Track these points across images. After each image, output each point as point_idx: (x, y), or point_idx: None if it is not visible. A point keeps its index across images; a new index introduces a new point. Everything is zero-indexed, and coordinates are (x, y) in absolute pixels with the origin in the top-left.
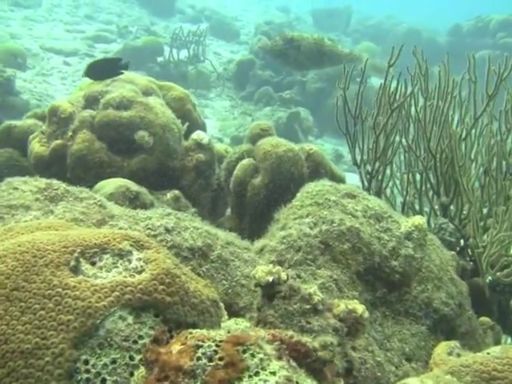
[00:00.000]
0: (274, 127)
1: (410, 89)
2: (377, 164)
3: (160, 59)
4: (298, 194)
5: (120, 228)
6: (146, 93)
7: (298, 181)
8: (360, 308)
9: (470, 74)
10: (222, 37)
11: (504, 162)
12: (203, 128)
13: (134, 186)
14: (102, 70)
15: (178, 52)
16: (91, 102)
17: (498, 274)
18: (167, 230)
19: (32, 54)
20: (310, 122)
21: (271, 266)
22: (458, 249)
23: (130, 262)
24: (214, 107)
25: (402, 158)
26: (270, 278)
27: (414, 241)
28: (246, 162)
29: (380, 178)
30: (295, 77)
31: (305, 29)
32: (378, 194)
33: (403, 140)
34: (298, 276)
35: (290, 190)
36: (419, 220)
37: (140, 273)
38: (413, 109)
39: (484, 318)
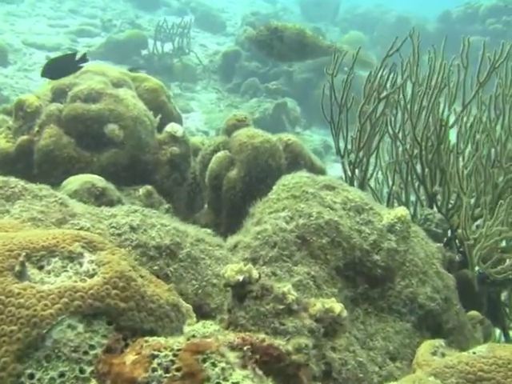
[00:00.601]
0: (261, 119)
1: (400, 77)
2: (360, 154)
3: (144, 52)
4: (275, 187)
5: (81, 227)
6: (118, 84)
7: (276, 173)
8: (338, 307)
9: (462, 58)
10: (208, 29)
11: (493, 150)
12: (178, 120)
13: (99, 182)
14: (60, 67)
15: (163, 45)
16: (59, 95)
17: (491, 270)
18: (132, 228)
19: (14, 49)
20: (297, 113)
21: (242, 264)
22: (444, 240)
23: (81, 265)
24: (200, 100)
25: (388, 147)
26: (241, 277)
27: (396, 233)
28: (221, 154)
29: (364, 168)
30: (281, 67)
31: (292, 19)
32: (362, 184)
33: (389, 128)
34: (274, 273)
35: (267, 183)
36: (402, 211)
37: (92, 277)
38: (401, 96)
39: (473, 312)
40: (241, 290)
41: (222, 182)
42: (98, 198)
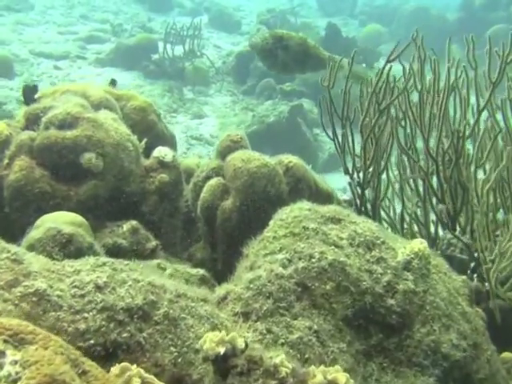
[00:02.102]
0: (276, 122)
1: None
2: (368, 173)
3: (155, 57)
4: (271, 222)
5: (36, 289)
6: (100, 105)
7: (276, 201)
8: (342, 378)
9: (469, 58)
10: (222, 28)
11: None
12: (170, 141)
13: (67, 228)
14: None
15: (173, 48)
16: (32, 121)
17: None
18: (98, 288)
19: (21, 59)
20: (314, 114)
21: (223, 333)
22: (471, 267)
23: (0, 367)
24: (214, 104)
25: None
26: (222, 350)
27: (414, 271)
28: (213, 182)
29: (374, 187)
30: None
31: (309, 14)
32: (374, 206)
33: (398, 143)
34: (269, 331)
35: (266, 212)
36: (419, 245)
37: (15, 383)
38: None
39: (507, 355)
40: (223, 365)
41: (216, 212)
42: (65, 246)
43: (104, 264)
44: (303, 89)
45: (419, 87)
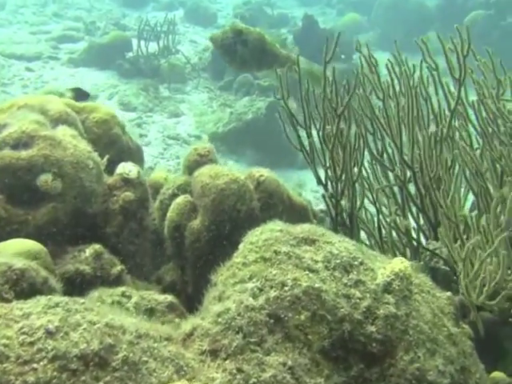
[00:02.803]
0: (255, 119)
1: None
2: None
3: (129, 55)
4: (241, 246)
5: None
6: (60, 120)
7: (247, 218)
8: None
9: (428, 61)
10: (198, 22)
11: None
12: (137, 154)
13: (18, 263)
14: None
15: (147, 45)
16: None
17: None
18: (49, 333)
19: None
20: (293, 109)
21: None
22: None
23: None
24: (191, 101)
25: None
26: None
27: (395, 293)
28: (180, 200)
29: (349, 197)
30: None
31: (286, 5)
32: (351, 218)
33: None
34: (239, 370)
35: (238, 231)
36: (400, 265)
37: None
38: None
39: (497, 374)
40: None
41: (184, 233)
42: (16, 283)
43: (57, 305)
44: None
45: (381, 88)
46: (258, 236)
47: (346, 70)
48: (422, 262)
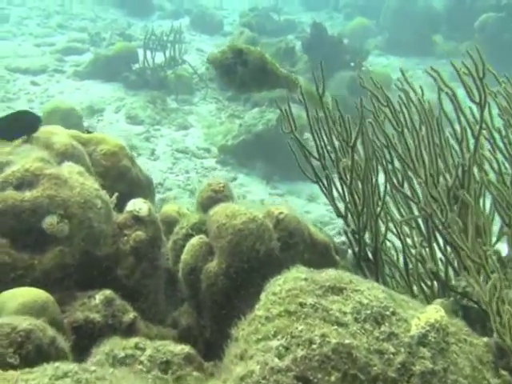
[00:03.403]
0: (265, 131)
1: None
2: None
3: (136, 66)
4: (262, 297)
5: None
6: (66, 154)
7: (267, 259)
8: None
9: (442, 87)
10: (204, 30)
11: None
12: (148, 186)
13: (23, 322)
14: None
15: (154, 55)
16: None
17: None
18: None
19: None
20: (303, 120)
21: None
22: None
23: None
24: (199, 113)
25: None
26: None
27: (431, 346)
28: (195, 241)
29: (373, 232)
30: (284, 67)
31: (292, 10)
32: (374, 253)
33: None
34: None
35: (258, 273)
36: (435, 314)
37: None
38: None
39: None
40: None
41: (200, 276)
42: (21, 346)
43: (65, 375)
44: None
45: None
46: (281, 286)
47: (356, 78)
48: (452, 299)
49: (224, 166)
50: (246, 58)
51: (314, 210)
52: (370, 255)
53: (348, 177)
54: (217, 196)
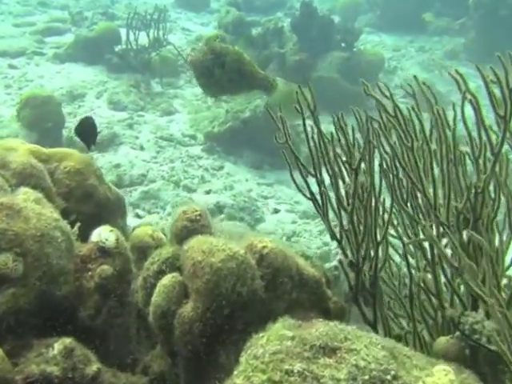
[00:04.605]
0: (252, 118)
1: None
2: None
3: (119, 48)
4: (242, 360)
5: None
6: (23, 175)
7: (249, 302)
8: None
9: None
10: (190, 7)
11: None
12: (118, 206)
13: None
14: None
15: (137, 36)
16: None
17: None
18: None
19: None
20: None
21: None
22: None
23: None
24: (184, 96)
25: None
26: None
27: None
28: (167, 280)
29: (372, 260)
30: (272, 49)
31: None
32: (373, 283)
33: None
34: None
35: (238, 318)
36: (444, 379)
37: None
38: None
39: None
40: None
41: (173, 321)
42: None
43: None
44: (281, 74)
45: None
46: (263, 347)
47: (348, 59)
48: (458, 336)
49: (210, 154)
50: (224, 59)
51: (303, 200)
52: (367, 285)
53: (349, 203)
54: (193, 226)
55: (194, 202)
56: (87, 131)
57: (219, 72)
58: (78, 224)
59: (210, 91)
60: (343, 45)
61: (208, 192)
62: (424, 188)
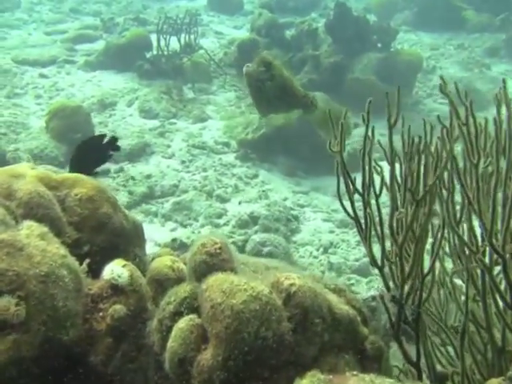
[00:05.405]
0: (286, 125)
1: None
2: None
3: (150, 54)
4: None
5: None
6: (30, 205)
7: (276, 347)
8: None
9: None
10: (223, 10)
11: None
12: (135, 235)
13: None
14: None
15: (169, 42)
16: None
17: None
18: None
19: (2, 70)
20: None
21: None
22: None
23: None
24: (217, 102)
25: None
26: None
27: None
28: (184, 324)
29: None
30: (306, 52)
31: None
32: (417, 320)
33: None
34: None
35: (264, 365)
36: None
37: None
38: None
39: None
40: None
41: (192, 370)
42: None
43: None
44: (315, 76)
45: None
46: None
47: (384, 59)
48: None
49: (244, 161)
50: (274, 72)
51: (340, 208)
52: (409, 319)
53: (401, 235)
54: (212, 261)
55: (214, 233)
56: (86, 157)
57: (269, 86)
58: (87, 260)
59: (261, 106)
60: (379, 45)
61: (240, 203)
62: (480, 209)
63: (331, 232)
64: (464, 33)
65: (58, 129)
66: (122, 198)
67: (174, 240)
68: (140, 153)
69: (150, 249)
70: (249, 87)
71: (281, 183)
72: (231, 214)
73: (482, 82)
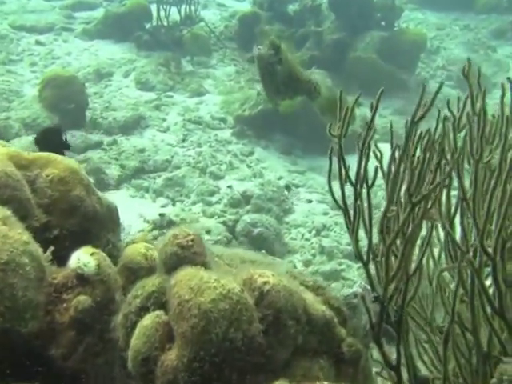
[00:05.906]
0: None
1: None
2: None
3: (149, 25)
4: None
5: None
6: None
7: (245, 350)
8: None
9: None
10: None
11: None
12: (109, 220)
13: None
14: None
15: (169, 12)
16: None
17: None
18: None
19: None
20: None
21: None
22: None
23: None
24: (216, 76)
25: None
26: None
27: None
28: (149, 322)
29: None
30: (308, 28)
31: None
32: (399, 322)
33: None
34: None
35: (232, 368)
36: None
37: None
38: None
39: None
40: None
41: (155, 369)
42: None
43: None
44: (317, 52)
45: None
46: None
47: (387, 38)
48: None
49: (240, 138)
50: (282, 56)
51: (337, 189)
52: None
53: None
54: (183, 253)
55: (187, 225)
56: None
57: (279, 70)
58: (52, 247)
59: (270, 92)
60: (383, 23)
61: (230, 187)
62: (475, 207)
63: (325, 214)
64: (472, 13)
65: (51, 98)
66: (114, 171)
67: (161, 215)
68: (134, 125)
69: (138, 225)
70: (259, 70)
71: (276, 161)
72: (224, 192)
73: (487, 65)
